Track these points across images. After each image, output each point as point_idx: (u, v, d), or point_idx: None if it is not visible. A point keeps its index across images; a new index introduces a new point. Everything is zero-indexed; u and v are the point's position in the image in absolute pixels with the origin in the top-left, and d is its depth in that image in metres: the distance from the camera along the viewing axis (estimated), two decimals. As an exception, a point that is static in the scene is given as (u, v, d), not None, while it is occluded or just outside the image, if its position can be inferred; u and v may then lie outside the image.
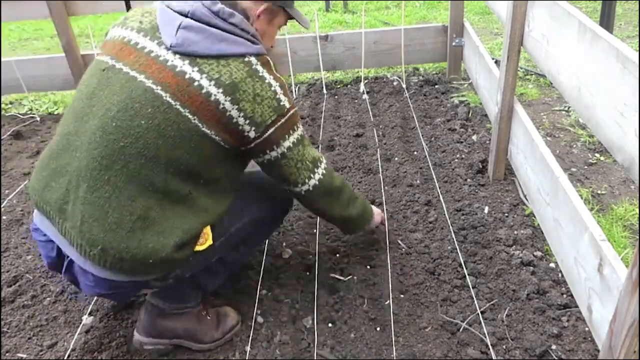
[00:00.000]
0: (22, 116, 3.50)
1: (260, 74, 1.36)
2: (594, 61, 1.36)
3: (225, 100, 1.30)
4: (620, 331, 1.11)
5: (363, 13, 3.74)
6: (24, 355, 1.65)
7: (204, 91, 1.29)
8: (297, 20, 1.59)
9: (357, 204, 1.75)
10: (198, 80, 1.29)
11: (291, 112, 1.43)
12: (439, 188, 2.30)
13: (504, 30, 2.10)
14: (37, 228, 1.44)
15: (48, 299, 1.86)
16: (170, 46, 1.31)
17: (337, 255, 1.98)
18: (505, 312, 1.66)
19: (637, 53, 1.16)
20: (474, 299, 1.71)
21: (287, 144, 1.44)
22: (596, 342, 1.47)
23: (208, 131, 1.32)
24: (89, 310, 1.78)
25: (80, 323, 1.73)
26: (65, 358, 1.60)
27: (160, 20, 1.36)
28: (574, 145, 2.63)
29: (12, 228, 2.28)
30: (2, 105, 3.72)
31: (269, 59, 1.42)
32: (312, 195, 1.57)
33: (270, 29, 1.55)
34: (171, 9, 1.35)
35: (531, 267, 1.82)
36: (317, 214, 1.79)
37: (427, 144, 2.67)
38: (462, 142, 2.64)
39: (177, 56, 1.31)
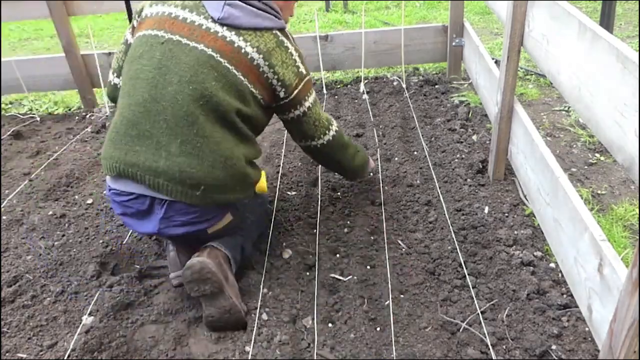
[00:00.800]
0: (22, 116, 3.50)
1: (285, 45, 1.69)
2: (594, 61, 1.36)
3: (265, 65, 1.64)
4: (620, 331, 1.11)
5: (363, 13, 3.74)
6: (24, 355, 1.65)
7: (249, 57, 1.61)
8: None
9: (360, 156, 2.15)
10: (244, 48, 1.61)
11: (307, 77, 1.78)
12: (439, 188, 2.30)
13: (504, 30, 2.10)
14: (119, 192, 1.65)
15: (48, 299, 1.86)
16: (218, 19, 1.59)
17: (337, 255, 1.98)
18: (505, 312, 1.66)
19: (637, 53, 1.16)
20: (474, 299, 1.71)
21: (307, 104, 1.80)
22: (596, 342, 1.47)
23: (254, 90, 1.65)
24: (89, 310, 1.78)
25: (80, 323, 1.73)
26: (65, 358, 1.60)
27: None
28: (574, 145, 2.63)
29: (12, 228, 2.28)
30: (2, 105, 3.72)
31: (287, 31, 1.75)
32: (325, 148, 1.94)
33: (288, 3, 1.81)
34: None
35: (531, 267, 1.82)
36: (327, 164, 2.15)
37: (427, 144, 2.67)
38: (462, 142, 2.64)
39: (225, 28, 1.60)
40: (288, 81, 1.69)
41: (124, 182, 1.63)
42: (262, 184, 1.82)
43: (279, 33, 1.68)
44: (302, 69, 1.75)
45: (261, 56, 1.62)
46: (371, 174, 2.39)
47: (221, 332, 1.67)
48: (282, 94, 1.71)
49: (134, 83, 1.62)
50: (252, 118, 1.69)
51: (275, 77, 1.67)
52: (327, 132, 1.91)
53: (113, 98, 1.87)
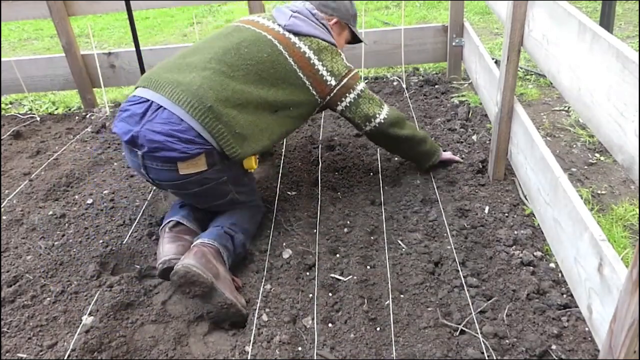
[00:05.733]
0: (22, 116, 3.50)
1: (334, 49, 2.10)
2: (594, 61, 1.36)
3: (314, 57, 2.03)
4: (620, 331, 1.11)
5: (363, 13, 3.74)
6: (24, 355, 1.65)
7: (301, 50, 2.01)
8: (359, 38, 2.31)
9: (421, 131, 2.32)
10: (298, 44, 2.02)
11: (356, 71, 2.15)
12: (439, 188, 2.30)
13: (504, 30, 2.10)
14: (130, 99, 1.86)
15: (48, 299, 1.86)
16: (284, 26, 2.03)
17: (337, 255, 1.98)
18: (505, 312, 1.66)
19: (637, 53, 1.16)
20: (474, 298, 1.71)
21: (359, 87, 2.14)
22: (596, 342, 1.47)
23: (302, 75, 2.01)
24: (89, 310, 1.78)
25: (80, 323, 1.73)
26: (65, 358, 1.60)
27: (275, 13, 2.11)
28: (574, 145, 2.63)
29: (12, 228, 2.28)
30: (2, 105, 3.72)
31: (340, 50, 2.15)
32: (387, 123, 2.17)
33: (339, 39, 2.23)
34: (284, 8, 2.11)
35: (531, 267, 1.82)
36: (395, 142, 2.26)
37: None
38: (462, 142, 2.64)
39: (287, 31, 2.03)
40: (337, 71, 2.06)
41: (142, 91, 1.85)
42: (251, 161, 1.94)
43: (331, 42, 2.09)
44: (351, 65, 2.14)
45: (312, 52, 2.02)
46: (436, 159, 2.36)
47: (225, 325, 1.71)
48: (333, 82, 2.06)
49: (202, 41, 2.06)
50: (287, 100, 1.98)
51: (325, 68, 2.03)
52: (383, 106, 2.18)
53: None
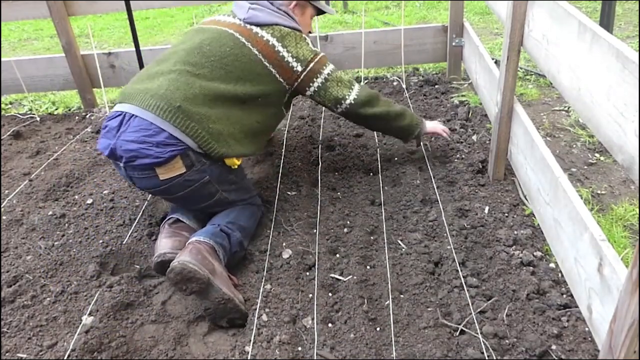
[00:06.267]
0: (22, 116, 3.50)
1: (298, 34, 2.10)
2: (594, 61, 1.36)
3: (278, 44, 2.03)
4: (620, 331, 1.11)
5: (363, 13, 3.74)
6: (24, 355, 1.65)
7: (264, 38, 2.02)
8: (323, 10, 2.28)
9: (398, 106, 2.31)
10: (261, 33, 2.03)
11: (322, 54, 2.15)
12: (439, 188, 2.30)
13: (504, 30, 2.10)
14: (109, 115, 1.91)
15: (48, 299, 1.86)
16: (243, 19, 2.05)
17: (337, 255, 1.98)
18: (505, 312, 1.66)
19: (637, 53, 1.16)
20: (474, 298, 1.71)
21: (326, 71, 2.14)
22: (596, 342, 1.47)
23: (268, 64, 2.02)
24: (89, 310, 1.78)
25: (80, 323, 1.73)
26: (65, 358, 1.60)
27: (235, 9, 2.13)
28: (574, 145, 2.63)
29: (12, 228, 2.28)
30: (2, 105, 3.72)
31: (303, 35, 2.14)
32: (358, 103, 2.18)
33: (304, 19, 2.23)
34: (242, 2, 2.12)
35: (531, 267, 1.82)
36: (368, 120, 2.28)
37: (427, 144, 2.66)
38: (462, 142, 2.64)
39: (247, 24, 2.05)
40: (303, 57, 2.07)
41: (118, 106, 1.90)
42: (232, 158, 1.95)
43: (295, 28, 2.10)
44: (316, 49, 2.13)
45: (275, 39, 2.03)
46: (417, 133, 2.36)
47: (224, 324, 1.71)
48: (299, 68, 2.06)
49: (168, 50, 2.09)
50: (255, 93, 1.99)
51: (289, 54, 2.04)
52: (352, 86, 2.18)
53: None
